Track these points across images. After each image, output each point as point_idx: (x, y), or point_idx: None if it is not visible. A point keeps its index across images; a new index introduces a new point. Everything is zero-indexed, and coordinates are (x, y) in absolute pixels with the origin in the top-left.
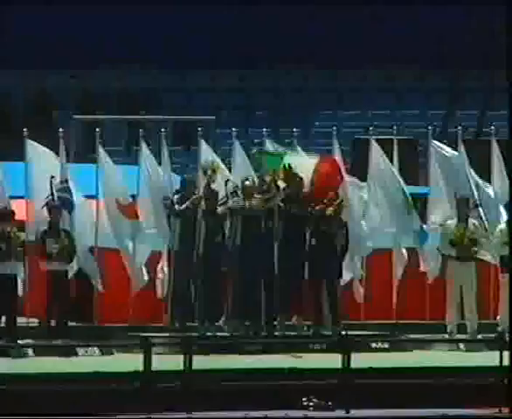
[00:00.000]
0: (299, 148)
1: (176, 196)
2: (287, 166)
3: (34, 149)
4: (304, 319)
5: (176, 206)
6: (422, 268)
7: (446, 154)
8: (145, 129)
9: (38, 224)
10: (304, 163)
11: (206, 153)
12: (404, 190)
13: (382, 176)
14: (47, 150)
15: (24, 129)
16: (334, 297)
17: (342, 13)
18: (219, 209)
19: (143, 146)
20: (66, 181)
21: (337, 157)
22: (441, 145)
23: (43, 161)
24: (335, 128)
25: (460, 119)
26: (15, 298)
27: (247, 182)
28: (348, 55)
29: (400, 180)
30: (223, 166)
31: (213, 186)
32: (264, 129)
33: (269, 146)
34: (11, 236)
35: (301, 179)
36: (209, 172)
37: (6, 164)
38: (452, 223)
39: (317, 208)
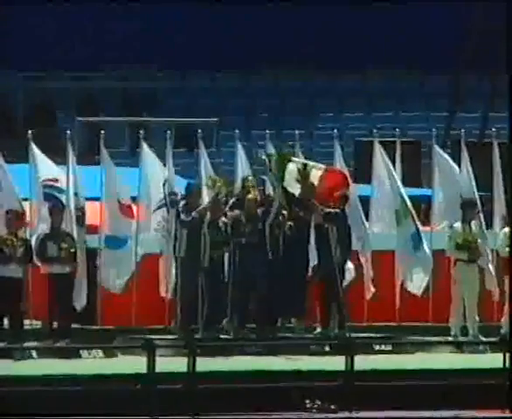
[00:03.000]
0: (300, 154)
1: (181, 205)
2: (301, 167)
3: (33, 152)
4: (312, 322)
5: (182, 215)
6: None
7: (449, 159)
8: (147, 131)
9: (41, 226)
10: (311, 171)
11: (207, 156)
12: (402, 194)
13: (384, 178)
14: (40, 153)
15: (29, 131)
16: (339, 300)
17: (345, 15)
18: (222, 220)
19: (144, 147)
20: (56, 180)
21: (342, 167)
22: (444, 154)
23: (40, 164)
24: (336, 131)
25: (463, 121)
26: (21, 300)
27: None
28: (351, 57)
29: (400, 184)
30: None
31: (219, 197)
32: (267, 131)
33: (271, 148)
34: (17, 238)
35: (313, 184)
36: (218, 184)
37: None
38: (458, 226)
39: (320, 209)
